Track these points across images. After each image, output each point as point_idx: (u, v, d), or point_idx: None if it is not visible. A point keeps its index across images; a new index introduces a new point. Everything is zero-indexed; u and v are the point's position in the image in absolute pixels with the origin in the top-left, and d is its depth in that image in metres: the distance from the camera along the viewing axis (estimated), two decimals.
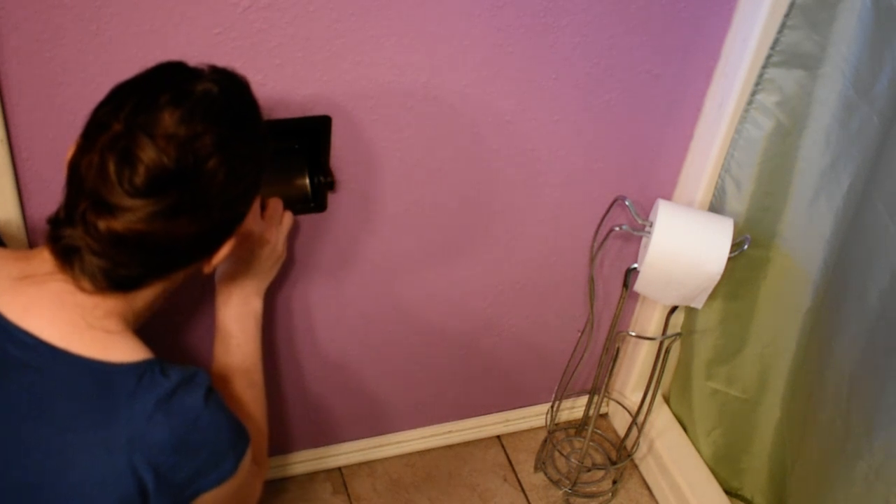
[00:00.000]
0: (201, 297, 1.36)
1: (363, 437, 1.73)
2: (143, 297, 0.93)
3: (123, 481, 0.87)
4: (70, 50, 1.07)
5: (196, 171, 0.85)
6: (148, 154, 0.83)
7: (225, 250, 0.96)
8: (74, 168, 0.87)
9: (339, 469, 1.74)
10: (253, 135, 0.93)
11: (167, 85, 0.88)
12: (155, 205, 0.84)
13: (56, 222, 0.88)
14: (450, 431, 1.80)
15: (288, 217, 1.21)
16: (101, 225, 0.84)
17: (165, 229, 0.86)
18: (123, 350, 0.90)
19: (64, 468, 0.87)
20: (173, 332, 1.40)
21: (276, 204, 1.19)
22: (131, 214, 0.84)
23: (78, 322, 0.88)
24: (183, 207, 0.86)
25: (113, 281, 0.88)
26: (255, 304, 1.18)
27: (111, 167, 0.83)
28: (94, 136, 0.86)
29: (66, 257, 0.87)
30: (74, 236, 0.86)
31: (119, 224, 0.84)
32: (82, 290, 0.88)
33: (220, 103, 0.88)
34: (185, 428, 0.89)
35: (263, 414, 1.18)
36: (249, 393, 1.15)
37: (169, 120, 0.84)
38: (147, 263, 0.89)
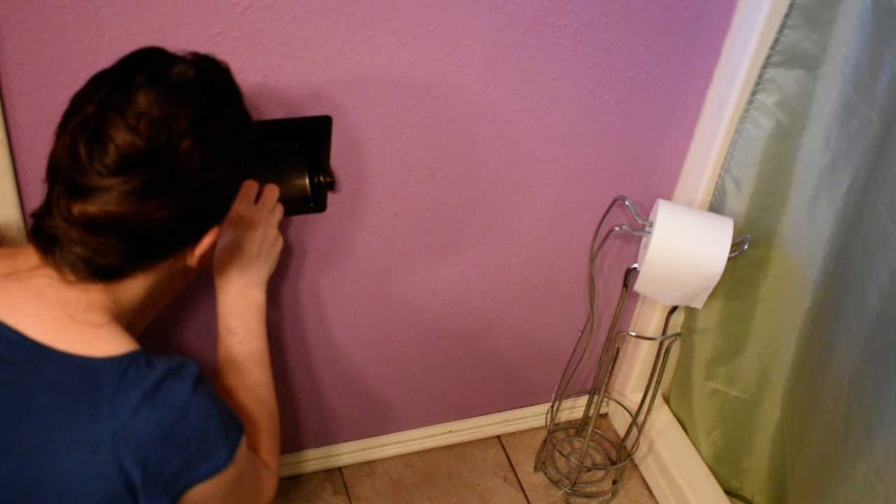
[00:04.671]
0: (197, 293, 1.37)
1: (363, 437, 1.73)
2: (128, 289, 0.92)
3: (109, 477, 0.86)
4: (70, 50, 1.07)
5: (169, 151, 0.84)
6: (119, 133, 0.82)
7: (208, 240, 0.94)
8: (51, 156, 0.86)
9: (340, 469, 1.74)
10: (231, 119, 0.92)
11: (143, 68, 0.87)
12: (126, 184, 0.83)
13: (38, 215, 0.88)
14: (450, 431, 1.80)
15: (279, 207, 1.19)
16: (75, 209, 0.84)
17: (139, 212, 0.85)
18: (108, 343, 0.89)
19: (48, 465, 0.86)
20: (169, 331, 1.40)
21: (271, 191, 1.17)
22: (103, 195, 0.83)
23: (61, 317, 0.88)
24: (156, 188, 0.84)
25: (94, 270, 0.87)
26: (256, 296, 1.15)
27: (82, 148, 0.83)
28: (68, 120, 0.85)
29: (47, 247, 0.87)
30: (53, 225, 0.85)
31: (92, 207, 0.83)
32: (66, 281, 0.88)
33: (196, 86, 0.87)
34: (172, 419, 0.88)
35: (273, 411, 1.16)
36: (255, 391, 1.13)
37: (143, 101, 0.84)
38: (126, 251, 0.88)
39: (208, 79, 0.90)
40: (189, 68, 0.88)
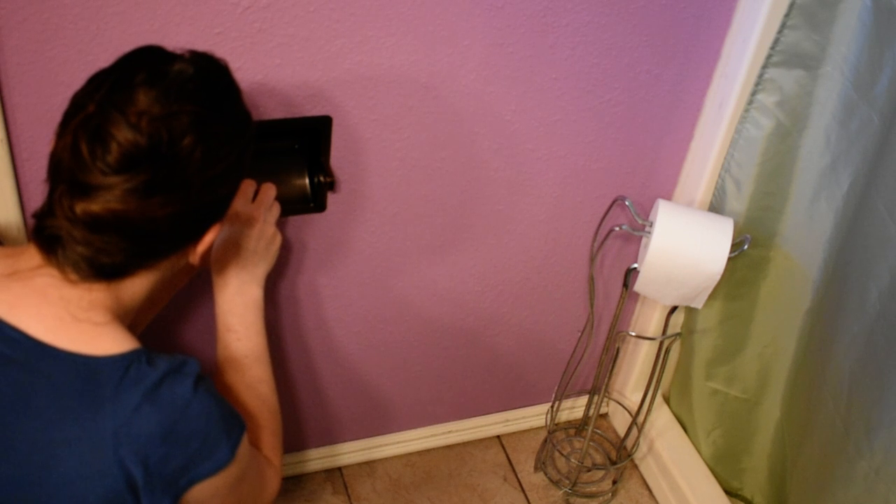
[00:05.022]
0: (196, 292, 1.37)
1: (363, 437, 1.73)
2: (130, 288, 0.92)
3: (110, 476, 0.86)
4: (70, 50, 1.07)
5: (170, 148, 0.84)
6: (120, 131, 0.83)
7: (210, 237, 0.94)
8: (52, 155, 0.86)
9: (339, 469, 1.74)
10: (232, 116, 0.92)
11: (143, 66, 0.87)
12: (128, 182, 0.83)
13: (40, 215, 0.88)
14: (450, 431, 1.80)
15: (276, 205, 1.19)
16: (78, 208, 0.84)
17: (142, 209, 0.85)
18: (110, 342, 0.89)
19: (50, 463, 0.86)
20: (170, 330, 1.40)
21: (268, 189, 1.17)
22: (106, 193, 0.83)
23: (63, 316, 0.88)
24: (158, 186, 0.85)
25: (96, 269, 0.88)
26: (254, 293, 1.15)
27: (84, 147, 0.83)
28: (69, 120, 0.85)
29: (50, 247, 0.87)
30: (55, 225, 0.86)
31: (95, 205, 0.84)
32: (69, 281, 0.88)
33: (196, 83, 0.88)
34: (173, 417, 0.88)
35: (274, 408, 1.16)
36: (256, 388, 1.13)
37: (144, 99, 0.84)
38: (129, 249, 0.88)
39: (208, 76, 0.90)
40: (188, 66, 0.88)
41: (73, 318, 0.88)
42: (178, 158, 0.85)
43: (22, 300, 0.88)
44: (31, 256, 0.90)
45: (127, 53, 0.90)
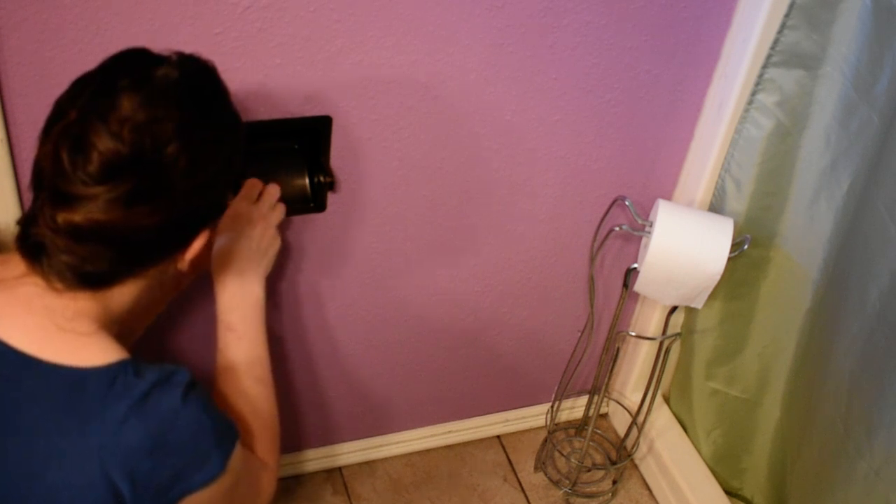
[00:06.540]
0: (192, 299, 1.37)
1: (363, 437, 1.73)
2: (118, 296, 0.90)
3: (97, 489, 0.84)
4: (70, 50, 1.07)
5: (154, 156, 0.82)
6: (101, 140, 0.80)
7: (199, 243, 0.92)
8: (35, 163, 0.85)
9: (339, 469, 1.74)
10: (218, 121, 0.90)
11: (127, 70, 0.85)
12: (111, 192, 0.81)
13: (24, 223, 0.86)
14: (450, 431, 1.80)
15: (280, 206, 1.19)
16: (60, 218, 0.82)
17: (126, 219, 0.83)
18: (95, 352, 0.87)
19: (35, 476, 0.85)
20: (167, 334, 1.40)
21: (272, 190, 1.17)
22: (88, 204, 0.81)
23: (47, 326, 0.86)
24: (142, 195, 0.83)
25: (82, 278, 0.86)
26: (256, 292, 1.14)
27: (65, 156, 0.81)
28: (51, 127, 0.84)
29: (34, 256, 0.85)
30: (38, 233, 0.84)
31: (77, 216, 0.82)
32: (54, 289, 0.86)
33: (181, 88, 0.86)
34: (161, 429, 0.86)
35: (272, 409, 1.14)
36: (255, 388, 1.12)
37: (127, 105, 0.82)
38: (114, 258, 0.86)
39: (194, 80, 0.88)
40: (173, 70, 0.86)
41: (58, 329, 0.86)
42: (162, 166, 0.83)
43: (6, 310, 0.86)
44: (17, 264, 0.88)
45: (111, 56, 0.88)
